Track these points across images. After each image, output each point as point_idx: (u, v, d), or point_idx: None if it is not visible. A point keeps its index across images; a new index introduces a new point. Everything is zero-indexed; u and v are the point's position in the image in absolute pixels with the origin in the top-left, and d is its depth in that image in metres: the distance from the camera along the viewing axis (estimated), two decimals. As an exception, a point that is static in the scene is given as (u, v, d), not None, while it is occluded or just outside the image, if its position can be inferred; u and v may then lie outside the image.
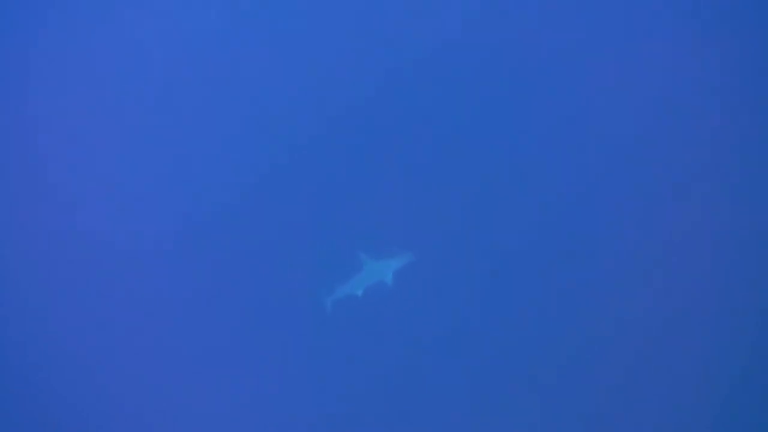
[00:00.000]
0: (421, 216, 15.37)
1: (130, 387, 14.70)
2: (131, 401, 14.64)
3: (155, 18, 16.73)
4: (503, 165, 15.53)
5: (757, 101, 15.31)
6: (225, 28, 16.70)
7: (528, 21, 16.21)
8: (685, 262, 14.68)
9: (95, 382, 14.77)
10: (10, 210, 15.64)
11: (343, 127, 15.93)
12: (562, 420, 14.21)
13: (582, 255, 14.91)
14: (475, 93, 15.97)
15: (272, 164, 15.84)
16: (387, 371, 14.70)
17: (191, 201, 15.72)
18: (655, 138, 15.40)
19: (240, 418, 14.60)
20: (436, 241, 15.11)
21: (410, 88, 16.06)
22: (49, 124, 16.06)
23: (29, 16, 16.50)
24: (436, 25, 16.26)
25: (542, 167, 15.44)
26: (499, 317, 14.74)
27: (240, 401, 14.71)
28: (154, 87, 16.35)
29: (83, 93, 16.28)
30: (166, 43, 16.60)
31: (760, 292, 14.41)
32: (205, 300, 15.19)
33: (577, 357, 14.44)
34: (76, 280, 15.26)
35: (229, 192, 15.71)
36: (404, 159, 15.75)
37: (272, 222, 15.57)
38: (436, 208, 15.43)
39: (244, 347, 14.96)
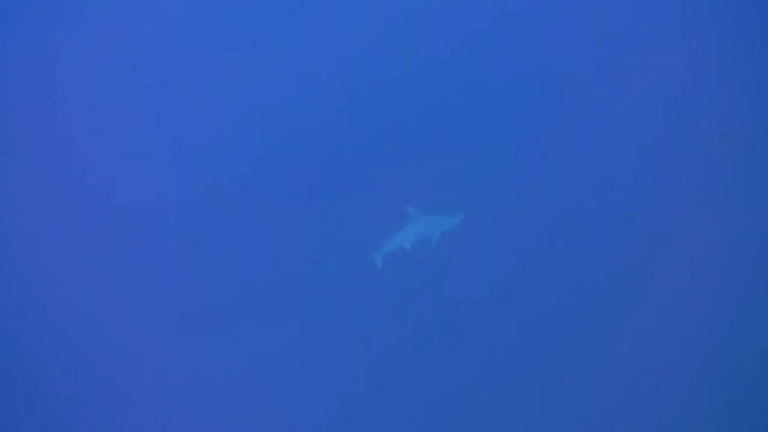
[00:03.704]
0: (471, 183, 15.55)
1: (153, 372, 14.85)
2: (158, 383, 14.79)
3: (163, 14, 16.80)
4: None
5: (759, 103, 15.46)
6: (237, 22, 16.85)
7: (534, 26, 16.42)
8: (690, 265, 14.81)
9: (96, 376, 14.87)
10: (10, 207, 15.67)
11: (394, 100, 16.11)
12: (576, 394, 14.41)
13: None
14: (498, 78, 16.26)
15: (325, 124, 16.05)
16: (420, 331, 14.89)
17: (225, 167, 15.90)
18: (665, 143, 15.58)
19: (275, 374, 14.81)
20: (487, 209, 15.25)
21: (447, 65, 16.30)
22: (50, 122, 16.07)
23: (32, 15, 16.52)
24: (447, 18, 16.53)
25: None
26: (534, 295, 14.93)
27: (277, 357, 14.90)
28: (158, 82, 16.37)
29: (87, 90, 16.31)
30: (177, 37, 16.67)
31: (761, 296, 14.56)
32: (246, 253, 15.41)
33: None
34: (78, 280, 15.28)
35: (279, 146, 15.92)
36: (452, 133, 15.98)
37: (323, 175, 15.79)
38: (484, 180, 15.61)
39: (284, 302, 15.16)
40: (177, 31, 16.70)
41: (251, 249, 15.47)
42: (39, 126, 16.01)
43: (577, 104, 15.88)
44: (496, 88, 16.13)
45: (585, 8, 16.27)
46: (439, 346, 14.85)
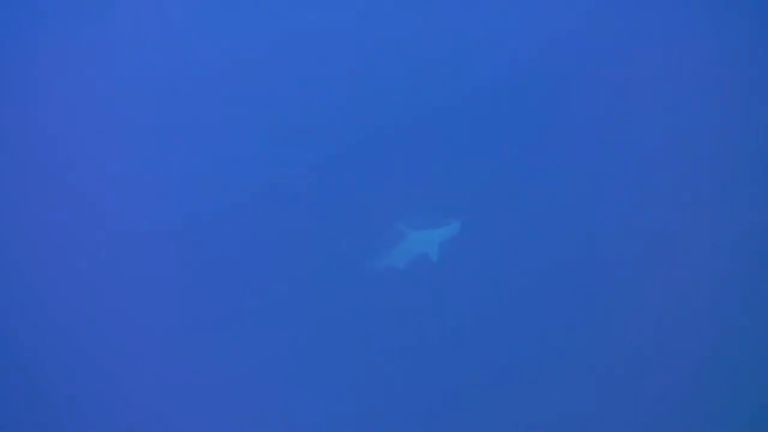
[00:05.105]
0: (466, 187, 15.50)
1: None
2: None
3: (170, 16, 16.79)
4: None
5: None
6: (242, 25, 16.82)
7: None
8: (699, 273, 14.83)
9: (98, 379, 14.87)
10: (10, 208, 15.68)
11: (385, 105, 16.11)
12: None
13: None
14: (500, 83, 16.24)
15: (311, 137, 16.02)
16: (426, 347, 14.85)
17: (224, 174, 15.93)
18: (667, 147, 15.60)
19: (274, 387, 14.79)
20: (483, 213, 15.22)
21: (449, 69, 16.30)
22: (51, 123, 16.02)
23: (31, 15, 16.50)
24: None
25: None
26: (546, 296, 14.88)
27: (280, 370, 14.89)
28: (160, 88, 16.30)
29: (88, 93, 16.24)
30: (182, 39, 16.61)
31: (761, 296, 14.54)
32: (243, 269, 15.43)
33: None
34: (79, 281, 15.25)
35: (272, 165, 15.91)
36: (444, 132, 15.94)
37: (311, 193, 15.75)
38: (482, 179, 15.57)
39: (281, 319, 15.13)
40: (180, 35, 16.67)
41: (249, 261, 15.50)
42: (43, 128, 15.94)
43: (576, 108, 15.91)
44: (493, 94, 16.10)
45: (585, 13, 16.33)
46: (440, 354, 14.85)
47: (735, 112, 15.43)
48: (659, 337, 14.53)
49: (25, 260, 15.25)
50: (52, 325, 14.96)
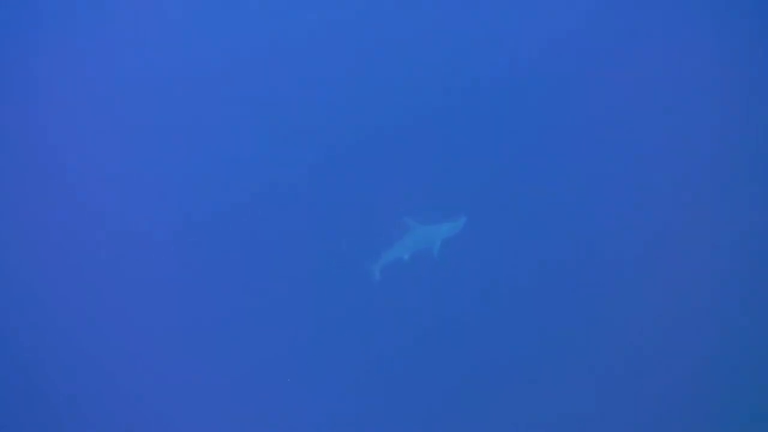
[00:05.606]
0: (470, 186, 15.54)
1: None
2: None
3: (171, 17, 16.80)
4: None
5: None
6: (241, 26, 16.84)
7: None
8: (694, 268, 14.79)
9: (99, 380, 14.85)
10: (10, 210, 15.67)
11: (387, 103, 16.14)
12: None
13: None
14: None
15: (316, 136, 16.07)
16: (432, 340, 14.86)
17: (224, 174, 15.94)
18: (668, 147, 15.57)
19: (280, 385, 14.81)
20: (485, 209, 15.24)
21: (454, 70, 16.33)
22: (51, 123, 16.02)
23: (30, 14, 16.50)
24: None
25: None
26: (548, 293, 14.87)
27: (282, 369, 14.91)
28: (161, 86, 16.31)
29: (91, 93, 16.29)
30: (184, 40, 16.63)
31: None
32: (249, 267, 15.46)
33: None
34: (80, 282, 15.24)
35: (279, 161, 15.95)
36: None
37: (317, 189, 15.80)
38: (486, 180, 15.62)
39: (282, 318, 15.15)
40: (180, 35, 16.65)
41: (251, 259, 15.50)
42: (43, 128, 15.94)
43: (576, 107, 15.89)
44: (494, 94, 16.10)
45: (585, 13, 16.30)
46: (440, 353, 14.84)
47: (735, 112, 15.41)
48: (659, 336, 14.50)
49: (26, 260, 15.25)
50: (52, 325, 14.96)
